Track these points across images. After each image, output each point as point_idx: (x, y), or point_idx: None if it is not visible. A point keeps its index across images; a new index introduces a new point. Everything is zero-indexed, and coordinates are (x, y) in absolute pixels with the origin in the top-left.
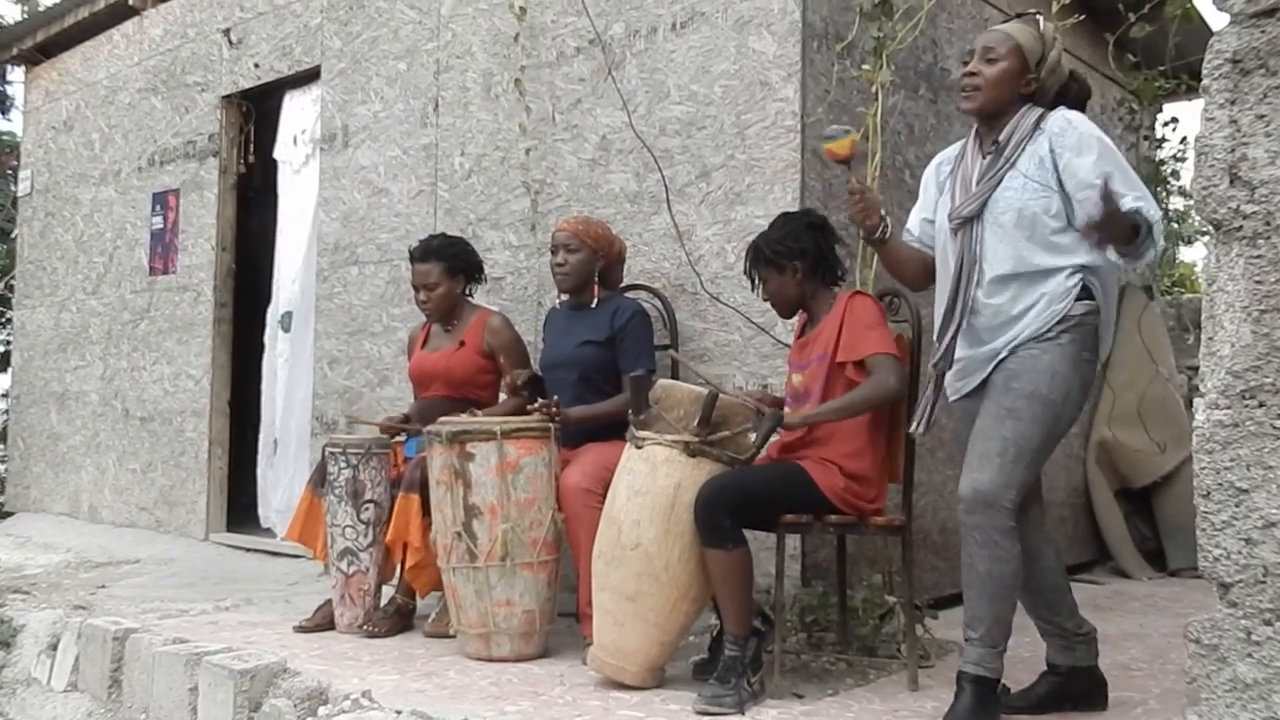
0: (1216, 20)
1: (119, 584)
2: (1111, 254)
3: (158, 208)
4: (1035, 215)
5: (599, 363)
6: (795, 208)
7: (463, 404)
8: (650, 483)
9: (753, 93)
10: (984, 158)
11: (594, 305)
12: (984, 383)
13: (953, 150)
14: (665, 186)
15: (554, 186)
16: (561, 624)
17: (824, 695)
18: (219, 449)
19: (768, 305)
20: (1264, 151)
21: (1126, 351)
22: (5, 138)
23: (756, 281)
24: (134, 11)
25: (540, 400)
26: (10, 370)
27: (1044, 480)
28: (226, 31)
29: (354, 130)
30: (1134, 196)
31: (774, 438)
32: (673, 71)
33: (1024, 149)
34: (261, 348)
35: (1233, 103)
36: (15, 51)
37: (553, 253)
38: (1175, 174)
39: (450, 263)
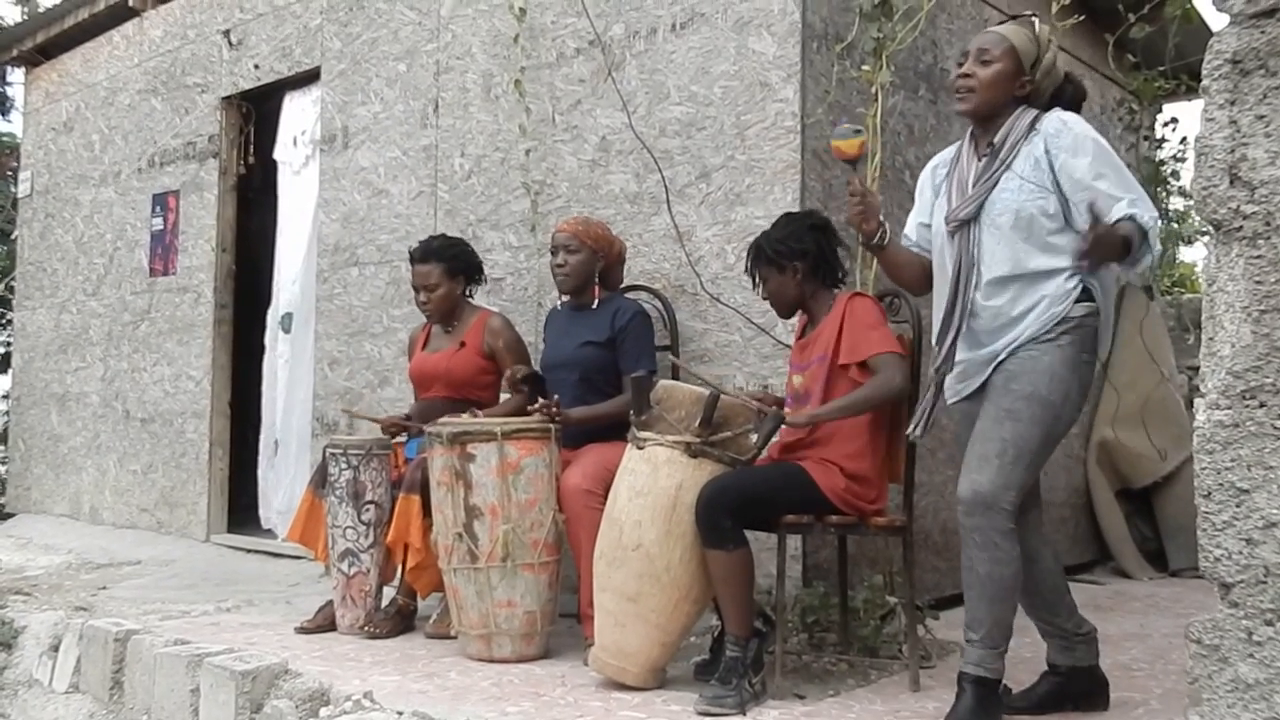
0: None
1: (120, 585)
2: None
3: (158, 209)
4: (1033, 217)
5: (600, 363)
6: (795, 208)
7: (463, 405)
8: (652, 483)
9: (753, 93)
10: (979, 160)
11: (595, 306)
12: (983, 385)
13: (948, 153)
14: (665, 187)
15: (554, 187)
16: (563, 625)
17: (825, 696)
18: (220, 450)
19: (768, 306)
20: (1264, 152)
21: (1127, 352)
22: (5, 139)
23: (757, 281)
24: (134, 13)
25: (541, 401)
26: (11, 372)
27: (1045, 481)
28: (226, 33)
29: (354, 131)
30: (1129, 200)
31: (775, 438)
32: (672, 72)
33: (1019, 150)
34: (262, 349)
35: (1232, 103)
36: (15, 53)
37: (553, 253)
38: (1175, 174)
39: (450, 264)
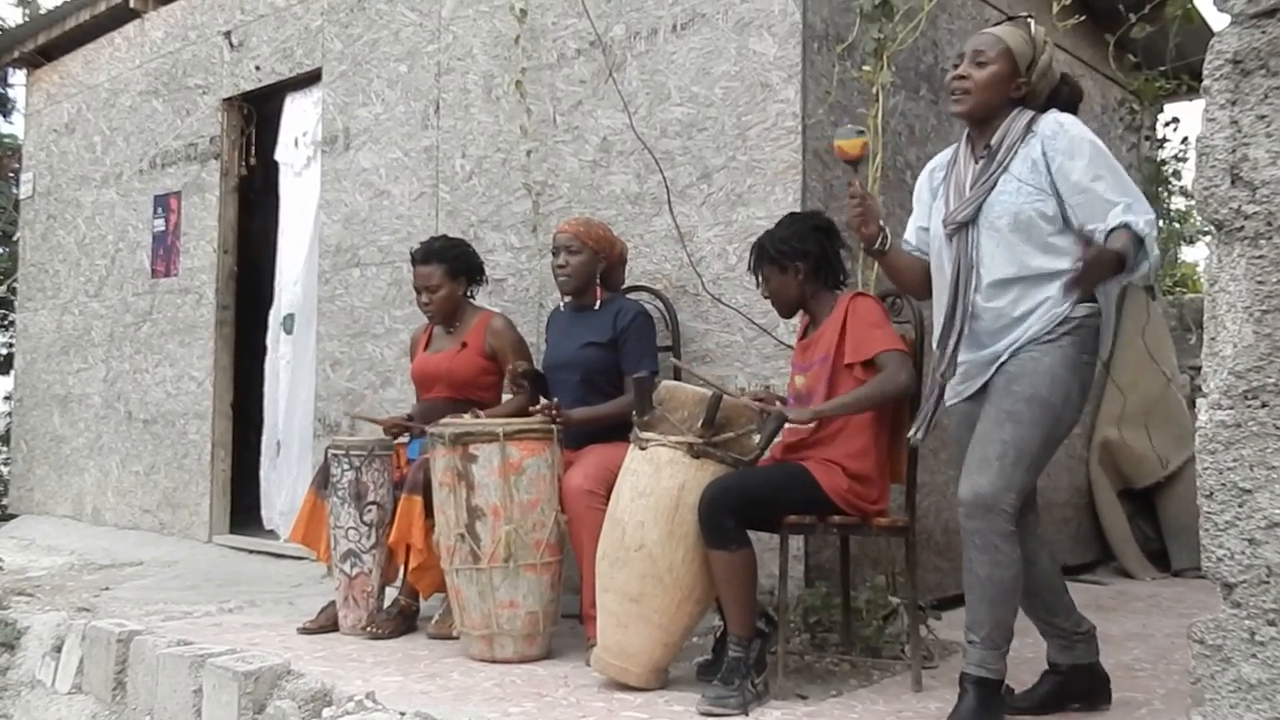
0: (1217, 21)
1: (123, 586)
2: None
3: (159, 210)
4: (1031, 219)
5: (602, 364)
6: (797, 209)
7: (465, 405)
8: (654, 484)
9: (753, 94)
10: (976, 162)
11: (597, 307)
12: (984, 386)
13: (944, 156)
14: (666, 188)
15: (555, 188)
16: (565, 625)
17: (828, 696)
18: (222, 451)
19: (769, 307)
20: (1265, 152)
21: (1129, 352)
22: (7, 140)
23: (759, 279)
24: (135, 14)
25: (543, 402)
26: (13, 373)
27: (1047, 481)
28: (227, 34)
29: (355, 132)
30: (1124, 205)
31: (777, 439)
32: (673, 73)
33: (1016, 152)
34: (264, 350)
35: (1234, 103)
36: (16, 54)
37: (554, 254)
38: (1176, 174)
39: (452, 265)
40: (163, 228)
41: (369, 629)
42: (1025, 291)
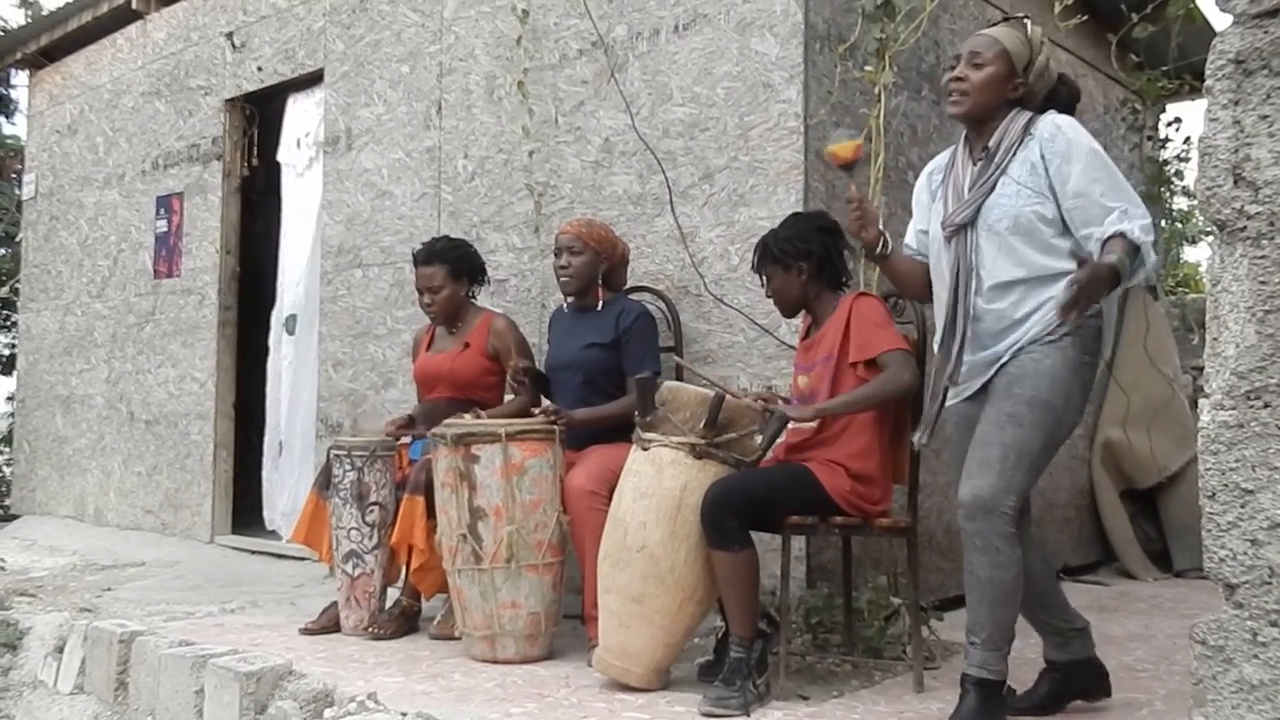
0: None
1: (125, 586)
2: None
3: (162, 211)
4: (1031, 222)
5: (604, 365)
6: (799, 209)
7: (467, 406)
8: (656, 484)
9: (755, 94)
10: (975, 164)
11: (599, 308)
12: (984, 386)
13: (942, 158)
14: (668, 188)
15: (557, 189)
16: (567, 626)
17: (829, 697)
18: (224, 452)
19: (771, 307)
20: (1267, 152)
21: (1131, 353)
22: (9, 142)
23: (763, 279)
24: (137, 15)
25: (545, 405)
26: (15, 374)
27: (1049, 481)
28: (230, 35)
29: (357, 133)
30: (1120, 212)
31: (780, 439)
32: (675, 73)
33: (1015, 154)
34: (266, 350)
35: (1236, 103)
36: (19, 55)
37: (556, 255)
38: (1179, 174)
39: (454, 265)
40: (165, 229)
41: (371, 629)
42: (1027, 293)
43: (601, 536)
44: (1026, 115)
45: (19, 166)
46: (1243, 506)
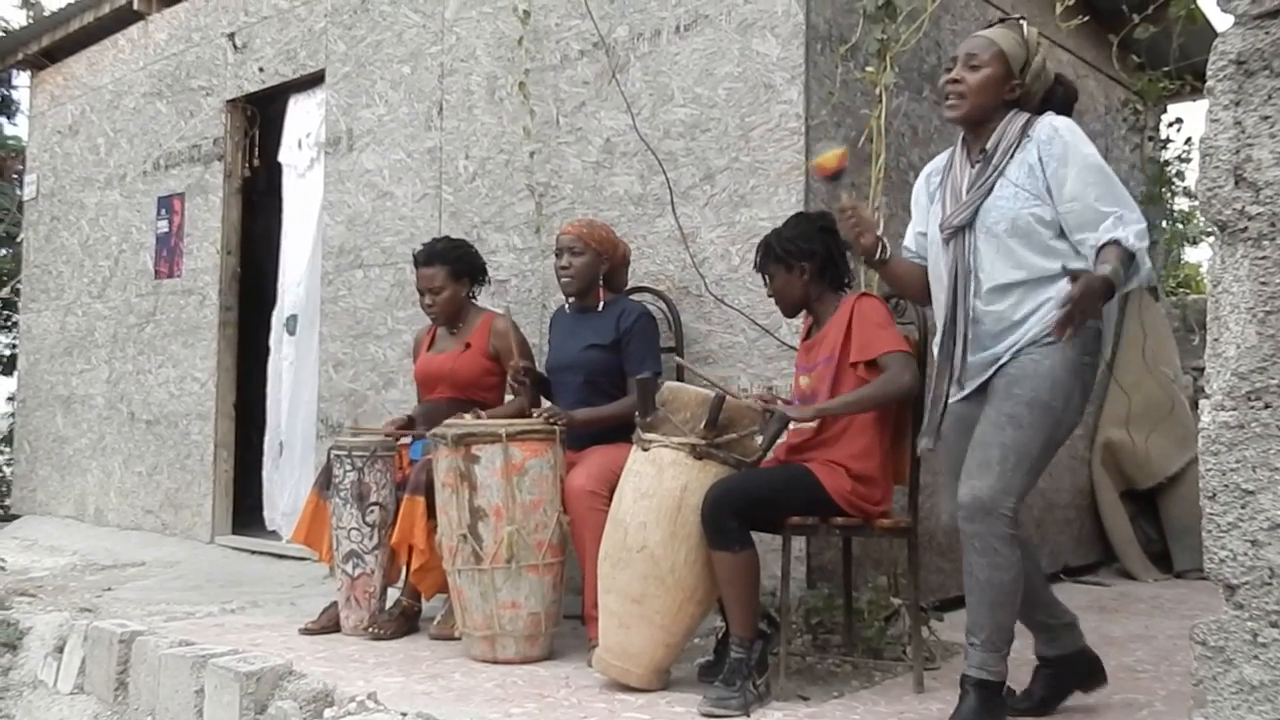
0: (1221, 21)
1: (125, 586)
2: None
3: (163, 211)
4: (1029, 224)
5: (604, 366)
6: (800, 210)
7: (468, 406)
8: (657, 485)
9: (756, 95)
10: (972, 166)
11: (600, 308)
12: (982, 386)
13: (940, 160)
14: (669, 189)
15: (558, 189)
16: (567, 626)
17: (829, 697)
18: (224, 452)
19: (772, 307)
20: (1269, 153)
21: (1132, 353)
22: (10, 142)
23: (765, 278)
24: (139, 16)
25: (545, 406)
26: (16, 374)
27: (1049, 482)
28: (231, 36)
29: (358, 134)
30: (1115, 218)
31: (781, 439)
32: (676, 74)
33: (1012, 156)
34: (267, 351)
35: (1237, 104)
36: (20, 56)
37: (557, 255)
38: (1180, 175)
39: (454, 266)
40: (166, 229)
41: (371, 630)
42: (1026, 295)
43: (602, 537)
44: (1024, 117)
45: (20, 167)
46: (1243, 507)
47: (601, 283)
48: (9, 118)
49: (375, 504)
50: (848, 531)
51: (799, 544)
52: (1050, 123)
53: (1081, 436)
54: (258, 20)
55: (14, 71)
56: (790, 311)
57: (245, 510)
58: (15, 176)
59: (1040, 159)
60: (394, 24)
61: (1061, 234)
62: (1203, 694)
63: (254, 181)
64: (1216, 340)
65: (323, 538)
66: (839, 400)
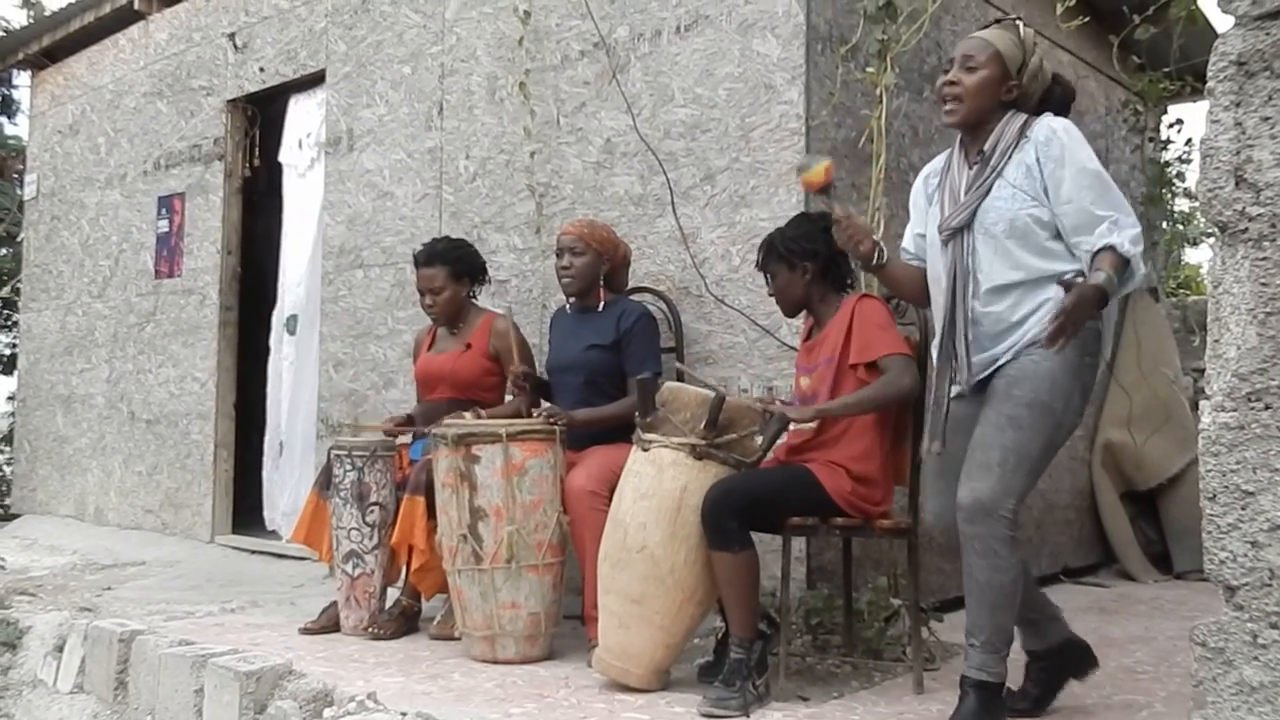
0: (1221, 22)
1: (125, 586)
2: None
3: (163, 211)
4: (1027, 224)
5: (605, 366)
6: (800, 211)
7: (468, 406)
8: (656, 485)
9: (757, 95)
10: (970, 168)
11: (600, 309)
12: (980, 386)
13: (938, 162)
14: (670, 189)
15: (559, 189)
16: (567, 626)
17: (829, 698)
18: (224, 451)
19: (773, 308)
20: (1269, 154)
21: (1132, 354)
22: (11, 142)
23: (767, 276)
24: (139, 16)
25: (547, 407)
26: (16, 373)
27: (1049, 482)
28: (232, 36)
29: (359, 134)
30: (1110, 223)
31: (781, 440)
32: (677, 74)
33: (1010, 157)
34: (267, 351)
35: (1238, 105)
36: (21, 56)
37: (558, 256)
38: (1180, 176)
39: (455, 266)
40: (166, 229)
41: (371, 630)
42: (1024, 296)
43: (602, 537)
44: (1022, 118)
45: (20, 167)
46: (1243, 509)
47: (602, 283)
48: (10, 117)
49: (375, 504)
50: (848, 532)
51: (799, 544)
52: (1048, 124)
53: (1081, 437)
54: (258, 20)
55: (14, 71)
56: (791, 311)
57: (245, 510)
58: (16, 176)
59: (1038, 160)
60: (394, 24)
61: (1059, 235)
62: (1203, 695)
63: (254, 181)
64: (1217, 341)
65: (323, 538)
66: (839, 401)
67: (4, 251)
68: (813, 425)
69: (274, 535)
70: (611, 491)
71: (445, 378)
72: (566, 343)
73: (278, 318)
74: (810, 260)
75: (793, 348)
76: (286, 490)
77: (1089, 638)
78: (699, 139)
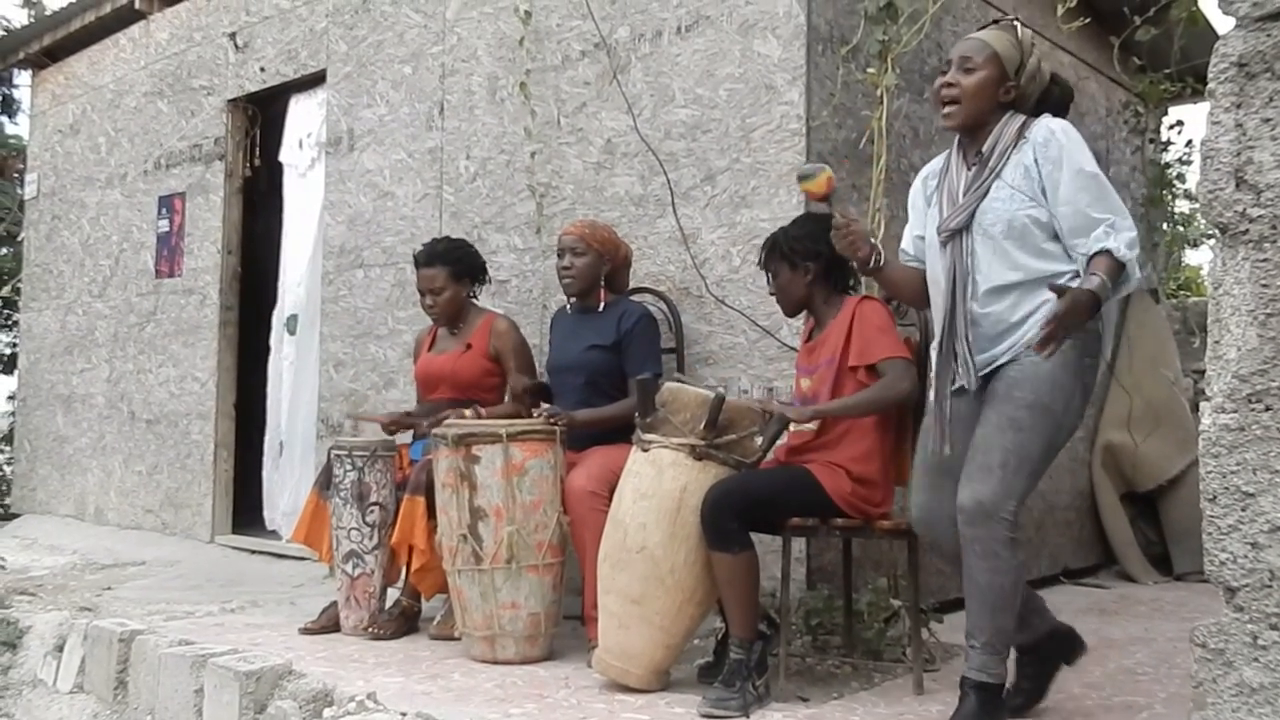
0: (1222, 24)
1: (125, 586)
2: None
3: (164, 211)
4: (1026, 226)
5: (605, 367)
6: (800, 211)
7: (468, 406)
8: (656, 486)
9: (757, 96)
10: (969, 169)
11: (601, 309)
12: (981, 385)
13: (936, 163)
14: (670, 190)
15: (559, 190)
16: (567, 627)
17: (829, 699)
18: (225, 451)
19: (773, 309)
20: (1270, 155)
21: (1132, 355)
22: (12, 142)
23: (768, 275)
24: (140, 16)
25: (547, 408)
26: (17, 373)
27: (1050, 483)
28: (232, 35)
29: (359, 134)
30: (1106, 226)
31: (780, 440)
32: (677, 75)
33: (1008, 159)
34: (267, 351)
35: (1238, 106)
36: (22, 55)
37: (559, 256)
38: (1181, 177)
39: (455, 266)
40: (167, 228)
41: (371, 630)
42: (1023, 296)
43: (602, 537)
44: (1020, 119)
45: (21, 166)
46: (1243, 510)
47: (603, 284)
48: (10, 117)
49: (375, 504)
50: (848, 533)
51: (799, 545)
52: (1047, 125)
53: (1082, 439)
54: (259, 20)
55: (15, 70)
56: (791, 311)
57: (245, 510)
58: (16, 176)
59: (1036, 161)
60: (395, 24)
61: (1057, 236)
62: (1203, 696)
63: (255, 181)
64: (1217, 343)
65: (323, 538)
66: (838, 403)
67: (4, 251)
68: (813, 426)
69: (274, 535)
70: (611, 492)
71: (446, 378)
72: (567, 343)
73: (278, 318)
74: (813, 260)
75: (793, 349)
76: (286, 490)
77: (1089, 639)
78: (700, 139)
